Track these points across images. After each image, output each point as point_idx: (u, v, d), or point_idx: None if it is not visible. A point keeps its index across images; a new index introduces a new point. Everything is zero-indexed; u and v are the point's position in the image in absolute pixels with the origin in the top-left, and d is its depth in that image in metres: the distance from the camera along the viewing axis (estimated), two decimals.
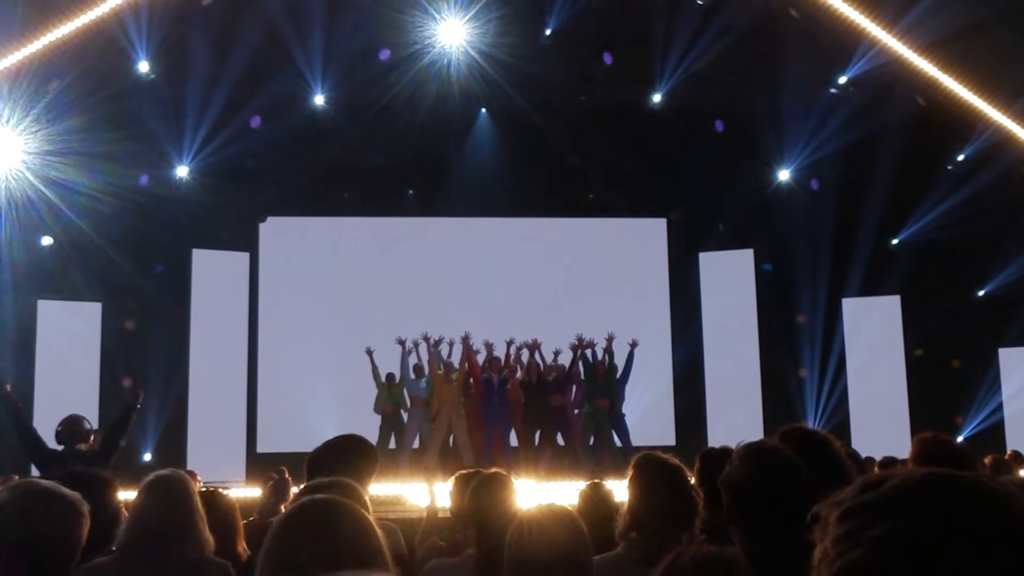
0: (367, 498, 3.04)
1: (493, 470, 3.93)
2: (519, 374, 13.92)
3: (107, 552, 3.18)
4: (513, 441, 13.78)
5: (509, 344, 13.97)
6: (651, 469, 3.56)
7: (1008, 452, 11.96)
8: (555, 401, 13.66)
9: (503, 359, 13.84)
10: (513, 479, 3.85)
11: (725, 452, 3.92)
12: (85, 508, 2.58)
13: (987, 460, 8.01)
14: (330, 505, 2.14)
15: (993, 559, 0.84)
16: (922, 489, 0.91)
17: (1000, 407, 15.34)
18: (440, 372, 13.45)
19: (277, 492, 7.92)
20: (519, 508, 3.51)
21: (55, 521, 2.49)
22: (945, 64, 14.00)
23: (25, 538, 2.44)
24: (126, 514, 3.35)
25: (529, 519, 2.81)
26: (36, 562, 2.45)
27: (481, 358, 13.78)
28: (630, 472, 3.63)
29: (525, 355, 13.95)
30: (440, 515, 5.23)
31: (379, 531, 2.12)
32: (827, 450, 3.18)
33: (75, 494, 2.58)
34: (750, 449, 2.72)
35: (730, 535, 3.10)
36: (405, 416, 13.77)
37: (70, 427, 7.68)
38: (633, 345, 13.80)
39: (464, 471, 4.81)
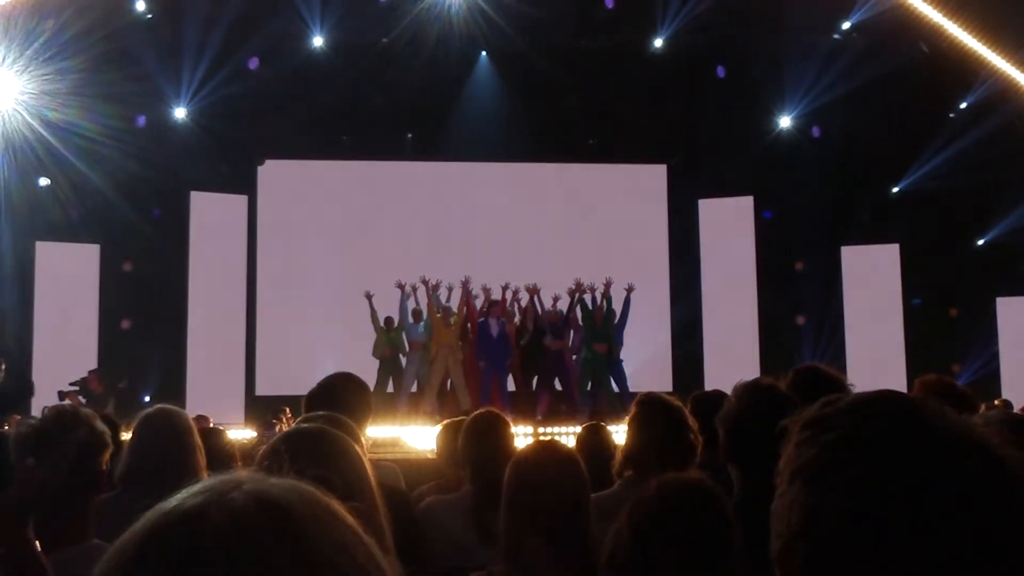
0: (361, 434, 3.05)
1: (486, 409, 3.95)
2: (517, 319, 13.96)
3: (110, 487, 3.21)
4: (510, 386, 13.84)
5: (505, 288, 13.98)
6: (652, 408, 3.58)
7: (997, 400, 11.99)
8: (553, 346, 13.71)
9: (500, 303, 13.86)
10: (508, 420, 3.87)
11: (715, 395, 3.94)
12: (108, 442, 2.60)
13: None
14: (314, 433, 2.14)
15: (923, 461, 0.98)
16: (872, 403, 1.07)
17: (996, 356, 15.40)
18: (439, 316, 13.46)
19: (268, 433, 8.03)
20: (515, 446, 3.54)
21: (76, 452, 2.49)
22: (950, 11, 13.88)
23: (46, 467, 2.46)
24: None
25: (527, 456, 2.83)
26: (58, 492, 2.47)
27: (479, 302, 13.81)
28: (632, 410, 3.65)
29: (524, 298, 13.97)
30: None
31: (367, 462, 2.13)
32: (841, 390, 3.18)
33: (101, 426, 2.58)
34: (745, 386, 2.73)
35: (722, 477, 3.12)
36: (403, 360, 13.83)
37: None
38: (630, 290, 13.79)
39: (450, 420, 4.83)
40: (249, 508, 0.81)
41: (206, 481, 0.85)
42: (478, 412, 3.91)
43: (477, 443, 3.62)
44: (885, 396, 1.09)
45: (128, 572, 0.78)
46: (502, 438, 3.66)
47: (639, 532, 2.11)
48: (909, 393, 1.13)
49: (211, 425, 9.19)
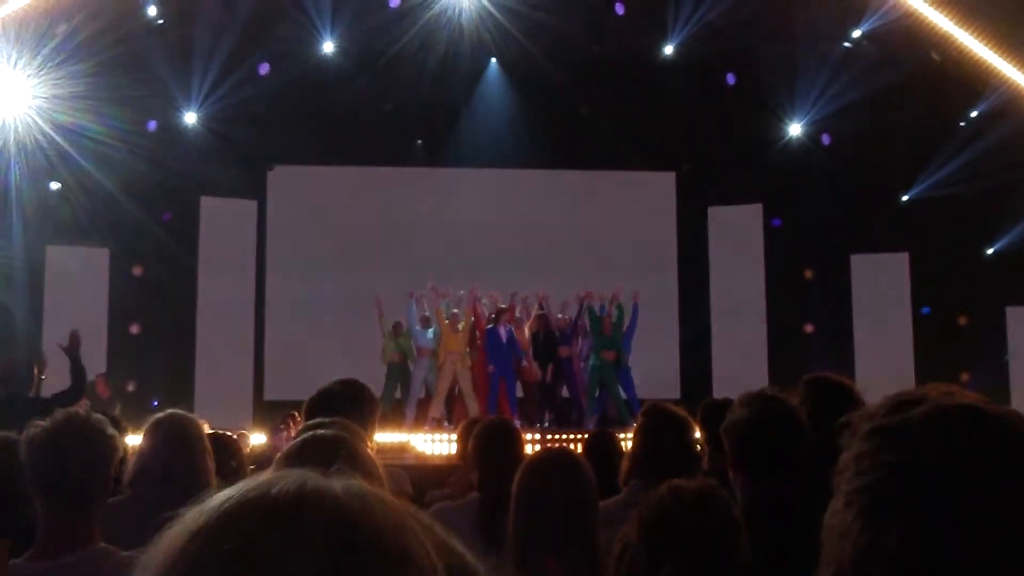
0: (368, 440, 3.06)
1: (497, 416, 3.98)
2: (526, 325, 13.97)
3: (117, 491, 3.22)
4: (518, 392, 13.85)
5: (513, 296, 13.98)
6: (657, 418, 3.61)
7: None
8: (562, 352, 13.71)
9: (510, 309, 13.87)
10: (518, 427, 3.88)
11: (726, 403, 3.94)
12: (119, 446, 2.61)
13: None
14: (332, 439, 2.15)
15: (1002, 501, 0.85)
16: (947, 421, 0.91)
17: (1006, 365, 15.35)
18: (447, 323, 13.47)
19: (274, 437, 8.07)
20: (525, 454, 3.54)
21: (88, 455, 2.50)
22: (960, 19, 13.86)
23: (57, 470, 2.46)
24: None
25: (537, 462, 2.84)
26: (65, 495, 2.47)
27: (488, 309, 13.83)
28: (638, 419, 3.68)
29: (533, 305, 13.98)
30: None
31: (380, 467, 2.14)
32: (852, 398, 3.18)
33: (112, 431, 2.59)
34: (750, 395, 2.75)
35: (729, 484, 3.12)
36: (412, 366, 13.83)
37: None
38: (636, 298, 13.78)
39: (470, 419, 4.84)
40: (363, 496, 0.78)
41: (258, 478, 0.80)
42: (489, 419, 3.93)
43: (488, 450, 3.63)
44: (965, 412, 0.93)
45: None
46: (512, 445, 3.67)
47: (649, 533, 2.12)
48: (992, 405, 0.96)
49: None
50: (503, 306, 13.83)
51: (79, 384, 7.62)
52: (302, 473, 0.80)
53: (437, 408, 13.27)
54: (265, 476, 0.80)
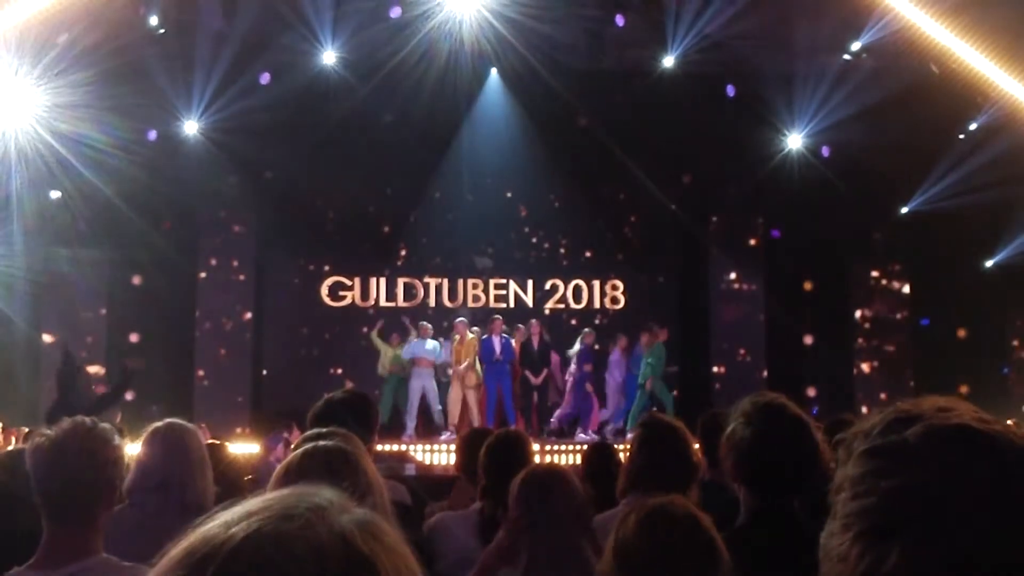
0: (368, 450, 3.07)
1: (513, 428, 3.99)
2: (523, 337, 14.11)
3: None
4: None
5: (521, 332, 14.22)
6: (653, 429, 3.61)
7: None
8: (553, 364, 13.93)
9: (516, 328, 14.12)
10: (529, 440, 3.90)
11: (725, 415, 3.95)
12: (124, 456, 2.61)
13: None
14: (334, 451, 2.16)
15: (1006, 526, 0.84)
16: (942, 443, 0.90)
17: (1005, 377, 15.35)
18: (456, 338, 13.64)
19: (269, 446, 8.10)
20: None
21: (91, 466, 2.50)
22: (960, 31, 13.88)
23: (60, 480, 2.46)
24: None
25: (531, 476, 2.85)
26: (67, 505, 2.47)
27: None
28: (635, 431, 3.68)
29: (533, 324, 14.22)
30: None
31: (381, 479, 2.14)
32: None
33: (118, 441, 2.59)
34: (757, 406, 2.67)
35: (726, 495, 3.12)
36: (410, 376, 13.88)
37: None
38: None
39: (471, 430, 4.84)
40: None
41: (230, 514, 0.82)
42: (502, 431, 3.95)
43: (498, 461, 3.62)
44: (964, 433, 0.91)
45: None
46: (523, 458, 3.67)
47: (618, 557, 2.13)
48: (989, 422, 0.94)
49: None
50: (497, 316, 14.01)
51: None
52: (267, 521, 0.80)
53: (442, 419, 13.42)
54: (243, 508, 0.82)
